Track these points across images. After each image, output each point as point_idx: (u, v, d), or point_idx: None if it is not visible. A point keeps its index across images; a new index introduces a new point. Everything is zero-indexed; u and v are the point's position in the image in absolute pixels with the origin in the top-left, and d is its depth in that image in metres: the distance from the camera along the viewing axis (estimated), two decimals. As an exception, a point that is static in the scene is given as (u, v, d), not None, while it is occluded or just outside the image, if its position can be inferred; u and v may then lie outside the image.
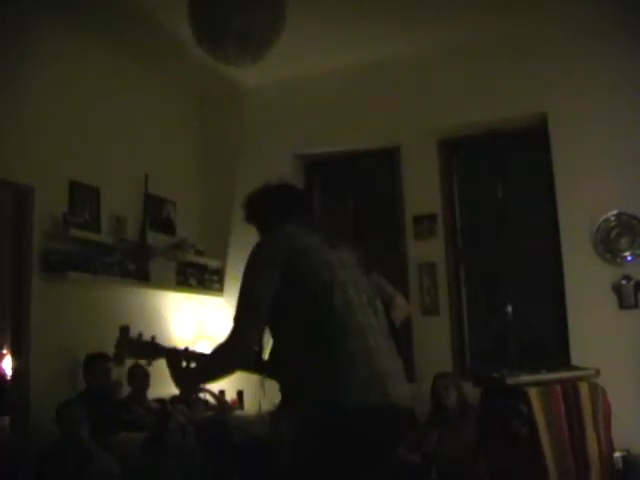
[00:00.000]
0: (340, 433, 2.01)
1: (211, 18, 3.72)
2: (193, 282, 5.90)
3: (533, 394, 4.18)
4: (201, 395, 5.53)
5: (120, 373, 4.92)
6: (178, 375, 2.33)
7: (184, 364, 2.32)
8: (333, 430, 2.01)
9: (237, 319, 2.19)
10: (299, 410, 2.14)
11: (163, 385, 5.37)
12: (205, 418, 5.10)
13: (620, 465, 4.47)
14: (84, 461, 3.86)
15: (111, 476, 3.88)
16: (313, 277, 2.18)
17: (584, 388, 4.26)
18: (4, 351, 5.10)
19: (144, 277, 5.35)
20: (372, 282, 2.41)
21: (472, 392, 4.70)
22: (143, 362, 2.53)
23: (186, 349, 2.40)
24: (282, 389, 2.24)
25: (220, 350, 2.21)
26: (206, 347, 6.03)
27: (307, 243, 2.27)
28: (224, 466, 4.45)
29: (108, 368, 4.64)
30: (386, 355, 2.17)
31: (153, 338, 2.47)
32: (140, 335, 2.49)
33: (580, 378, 4.36)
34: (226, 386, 5.76)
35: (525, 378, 4.31)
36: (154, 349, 2.45)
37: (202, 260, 6.04)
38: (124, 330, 2.52)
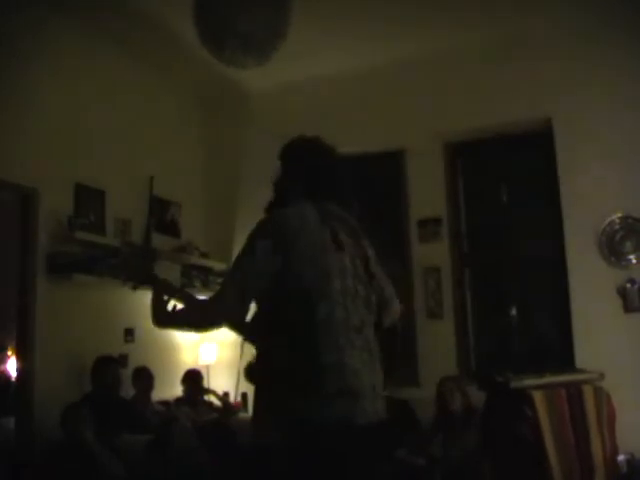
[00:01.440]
0: (307, 447, 2.00)
1: (215, 20, 3.72)
2: (198, 284, 5.90)
3: (538, 397, 4.17)
4: (205, 397, 5.54)
5: (125, 374, 4.94)
6: (156, 307, 2.36)
7: (166, 299, 2.37)
8: (301, 443, 2.01)
9: (225, 286, 2.23)
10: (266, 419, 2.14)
11: (168, 387, 5.41)
12: (209, 420, 5.11)
13: (625, 469, 4.46)
14: (89, 462, 3.86)
15: (116, 478, 3.89)
16: (305, 283, 2.11)
17: (589, 391, 4.26)
18: (9, 352, 5.12)
19: (149, 279, 5.35)
20: (375, 287, 2.34)
21: (477, 395, 4.70)
22: (129, 285, 2.56)
23: (179, 289, 2.48)
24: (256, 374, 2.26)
25: (199, 309, 2.32)
26: (211, 351, 6.04)
27: (312, 241, 2.17)
28: (228, 469, 4.45)
29: (119, 373, 4.68)
30: (360, 372, 2.10)
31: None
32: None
33: (585, 381, 4.35)
34: (230, 388, 5.78)
35: (530, 381, 4.30)
36: (149, 273, 2.52)
37: (207, 262, 6.05)
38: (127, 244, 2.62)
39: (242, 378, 5.00)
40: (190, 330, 2.58)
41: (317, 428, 2.00)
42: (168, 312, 2.37)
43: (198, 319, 2.28)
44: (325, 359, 2.04)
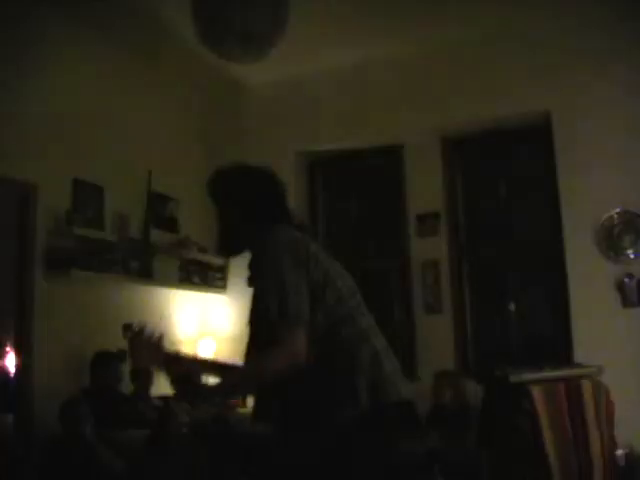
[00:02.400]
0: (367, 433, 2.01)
1: (214, 16, 3.71)
2: (196, 279, 5.90)
3: (536, 392, 4.17)
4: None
5: (123, 370, 4.94)
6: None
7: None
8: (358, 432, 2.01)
9: (280, 321, 1.98)
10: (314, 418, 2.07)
11: (166, 383, 5.40)
12: (207, 416, 5.10)
13: (623, 463, 4.47)
14: (88, 458, 3.86)
15: (114, 473, 3.89)
16: (327, 287, 2.09)
17: (587, 386, 4.26)
18: (7, 348, 5.11)
19: (147, 275, 5.35)
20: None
21: (475, 390, 4.71)
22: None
23: (210, 362, 2.33)
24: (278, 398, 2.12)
25: (267, 359, 2.01)
26: (210, 346, 6.05)
27: (314, 249, 2.16)
28: (226, 464, 4.46)
29: (119, 368, 4.67)
30: (390, 355, 2.16)
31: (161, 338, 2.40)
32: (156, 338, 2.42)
33: (583, 376, 4.35)
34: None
35: (528, 376, 4.30)
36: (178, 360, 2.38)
37: (205, 257, 6.03)
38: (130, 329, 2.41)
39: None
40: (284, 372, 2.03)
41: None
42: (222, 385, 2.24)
43: (277, 370, 1.99)
44: (363, 349, 2.07)
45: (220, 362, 2.32)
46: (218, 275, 6.16)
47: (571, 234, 5.18)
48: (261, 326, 2.10)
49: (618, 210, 5.04)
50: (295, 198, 6.19)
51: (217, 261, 6.09)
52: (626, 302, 4.95)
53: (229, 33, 3.70)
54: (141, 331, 2.31)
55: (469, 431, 4.52)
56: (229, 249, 2.40)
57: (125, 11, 4.94)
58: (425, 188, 5.78)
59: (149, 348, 2.32)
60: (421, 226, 5.74)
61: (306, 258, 2.06)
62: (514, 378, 4.27)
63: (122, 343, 4.83)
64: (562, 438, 4.14)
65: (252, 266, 2.22)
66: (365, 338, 2.11)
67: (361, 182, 6.34)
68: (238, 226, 2.33)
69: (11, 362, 4.45)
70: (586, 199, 5.11)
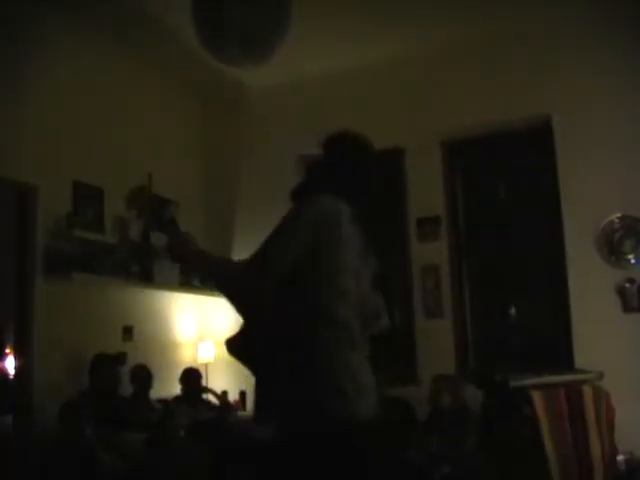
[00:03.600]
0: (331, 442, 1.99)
1: (215, 20, 3.71)
2: (197, 283, 5.89)
3: (537, 397, 4.17)
4: (204, 396, 5.54)
5: (123, 372, 4.94)
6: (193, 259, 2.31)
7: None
8: (324, 438, 1.99)
9: (263, 258, 2.06)
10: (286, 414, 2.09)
11: (166, 385, 5.40)
12: (207, 419, 5.10)
13: (623, 468, 4.46)
14: (87, 460, 3.86)
15: (114, 475, 3.88)
16: (333, 278, 2.11)
17: (587, 391, 4.26)
18: (7, 350, 5.11)
19: (148, 277, 5.35)
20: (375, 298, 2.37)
21: (475, 395, 4.70)
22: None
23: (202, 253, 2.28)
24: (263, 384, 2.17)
25: (238, 278, 2.10)
26: (210, 349, 6.03)
27: (349, 239, 2.16)
28: (225, 467, 4.45)
29: (117, 370, 4.67)
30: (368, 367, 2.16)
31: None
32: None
33: (584, 381, 4.35)
34: (229, 386, 5.78)
35: (529, 381, 4.30)
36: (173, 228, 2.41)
37: (206, 261, 6.02)
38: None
39: (244, 375, 4.98)
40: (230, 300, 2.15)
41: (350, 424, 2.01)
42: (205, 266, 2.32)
43: (240, 291, 2.10)
44: (346, 355, 2.08)
45: (216, 257, 2.31)
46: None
47: (572, 239, 5.17)
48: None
49: (619, 215, 5.03)
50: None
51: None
52: (627, 307, 4.94)
53: (230, 38, 3.69)
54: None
55: (468, 435, 4.51)
56: (296, 194, 2.38)
57: (126, 13, 4.95)
58: (425, 192, 5.78)
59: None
60: (421, 230, 5.73)
61: (327, 236, 2.10)
62: (515, 383, 4.27)
63: (122, 346, 4.85)
64: (562, 443, 4.14)
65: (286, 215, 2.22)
66: (352, 347, 2.10)
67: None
68: (314, 180, 2.42)
69: (11, 364, 4.45)
70: (587, 203, 5.10)
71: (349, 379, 2.05)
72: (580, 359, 4.92)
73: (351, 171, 2.41)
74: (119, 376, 4.75)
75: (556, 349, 5.34)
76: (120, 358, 4.99)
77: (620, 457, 4.43)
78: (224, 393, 5.73)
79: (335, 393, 2.02)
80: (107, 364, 4.65)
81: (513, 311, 5.61)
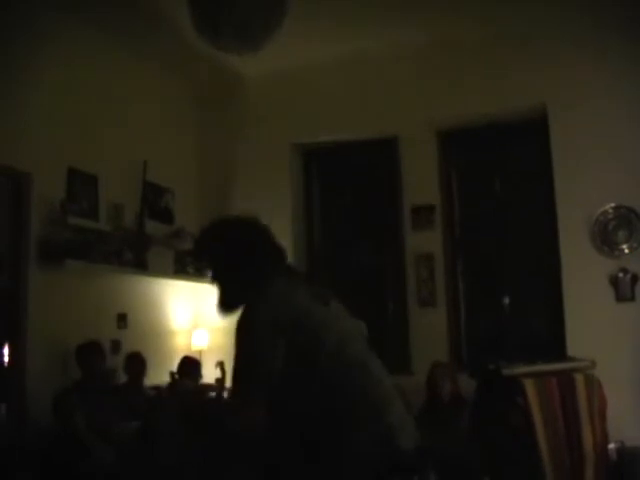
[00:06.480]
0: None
1: (211, 8, 3.69)
2: (191, 270, 5.89)
3: (529, 385, 4.18)
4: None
5: (117, 360, 4.94)
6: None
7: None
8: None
9: (242, 384, 2.08)
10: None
11: (160, 372, 5.40)
12: (202, 404, 5.08)
13: (615, 456, 4.49)
14: (80, 449, 3.86)
15: (106, 465, 3.89)
16: (318, 347, 2.07)
17: (580, 379, 4.27)
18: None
19: (142, 265, 5.35)
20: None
21: (468, 383, 4.71)
22: None
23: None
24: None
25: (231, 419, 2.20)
26: (203, 336, 6.03)
27: (304, 305, 2.12)
28: (220, 455, 4.45)
29: (100, 358, 4.61)
30: (392, 403, 2.15)
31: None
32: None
33: (576, 370, 4.37)
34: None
35: (521, 369, 4.31)
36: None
37: (200, 249, 6.02)
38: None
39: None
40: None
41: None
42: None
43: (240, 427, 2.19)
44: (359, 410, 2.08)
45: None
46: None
47: (566, 228, 5.18)
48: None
49: (613, 205, 5.04)
50: (290, 189, 6.20)
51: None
52: (619, 297, 4.96)
53: (226, 25, 3.67)
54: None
55: (461, 423, 4.53)
56: (226, 307, 2.31)
57: (123, 3, 4.91)
58: (420, 181, 5.77)
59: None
60: (416, 219, 5.73)
61: (290, 323, 2.06)
62: (507, 371, 4.28)
63: (116, 333, 4.83)
64: (554, 431, 4.16)
65: (237, 326, 2.16)
66: (375, 410, 2.09)
67: (356, 174, 6.33)
68: (233, 284, 2.29)
69: (4, 351, 4.44)
70: (581, 193, 5.11)
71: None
72: (572, 348, 4.95)
73: (276, 249, 2.32)
74: (104, 362, 4.67)
75: (549, 338, 5.37)
76: (114, 346, 4.98)
77: (611, 445, 4.46)
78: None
79: None
80: (90, 352, 4.56)
81: (506, 300, 5.63)
